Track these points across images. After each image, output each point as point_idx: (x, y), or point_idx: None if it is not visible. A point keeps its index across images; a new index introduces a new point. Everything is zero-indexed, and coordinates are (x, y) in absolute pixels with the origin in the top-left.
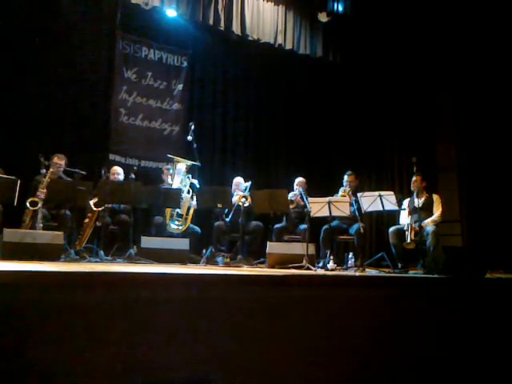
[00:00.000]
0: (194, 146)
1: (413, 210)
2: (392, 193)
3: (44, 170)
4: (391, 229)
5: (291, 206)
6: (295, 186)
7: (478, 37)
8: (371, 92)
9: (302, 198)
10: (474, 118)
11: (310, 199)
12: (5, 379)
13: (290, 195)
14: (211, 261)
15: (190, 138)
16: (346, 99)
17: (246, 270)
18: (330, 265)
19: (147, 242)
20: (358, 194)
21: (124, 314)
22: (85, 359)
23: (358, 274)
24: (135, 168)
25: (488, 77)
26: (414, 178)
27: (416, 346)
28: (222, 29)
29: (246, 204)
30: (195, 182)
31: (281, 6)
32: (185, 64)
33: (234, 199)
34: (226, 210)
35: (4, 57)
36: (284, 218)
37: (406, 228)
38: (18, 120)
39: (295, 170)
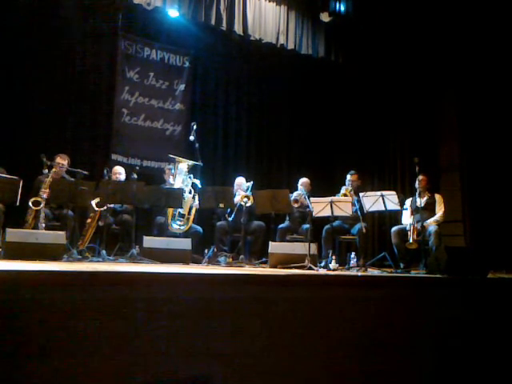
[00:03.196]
0: (196, 145)
1: (415, 210)
2: (394, 193)
3: (46, 170)
4: (393, 229)
5: (296, 205)
6: (299, 187)
7: (482, 37)
8: (374, 92)
9: (304, 197)
10: (477, 118)
11: (312, 199)
12: (5, 379)
13: (295, 194)
14: (213, 261)
15: (191, 137)
16: (348, 99)
17: (248, 270)
18: (332, 265)
19: (149, 241)
20: (361, 194)
21: (125, 314)
22: (85, 359)
23: (360, 273)
24: (137, 168)
25: (492, 76)
26: (420, 177)
27: (418, 345)
28: (224, 29)
29: (248, 204)
30: (197, 181)
31: (283, 6)
32: (187, 64)
33: (236, 199)
34: (228, 210)
35: (6, 57)
36: (287, 218)
37: (408, 228)
38: (21, 120)
39: (297, 169)
